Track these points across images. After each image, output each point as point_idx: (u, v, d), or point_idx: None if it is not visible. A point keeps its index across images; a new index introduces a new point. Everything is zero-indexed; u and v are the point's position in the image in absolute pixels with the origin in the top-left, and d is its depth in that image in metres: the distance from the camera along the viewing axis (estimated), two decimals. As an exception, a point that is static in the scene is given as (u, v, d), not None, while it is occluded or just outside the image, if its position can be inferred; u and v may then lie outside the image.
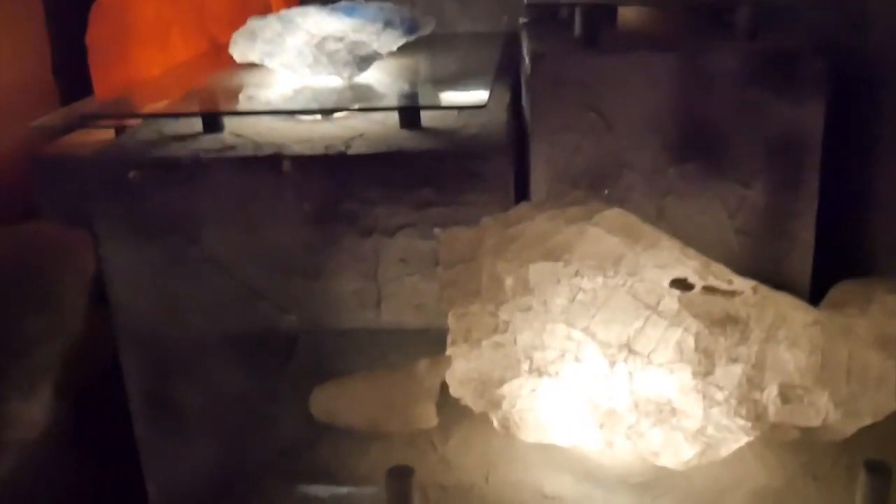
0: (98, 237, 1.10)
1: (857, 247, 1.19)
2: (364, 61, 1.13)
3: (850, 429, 0.73)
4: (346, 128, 1.12)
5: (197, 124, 1.13)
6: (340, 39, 1.13)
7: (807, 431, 0.74)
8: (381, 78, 1.19)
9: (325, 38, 1.12)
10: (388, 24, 1.17)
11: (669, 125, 1.10)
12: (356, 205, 1.06)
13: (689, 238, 1.18)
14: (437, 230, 1.06)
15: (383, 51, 1.16)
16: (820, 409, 0.72)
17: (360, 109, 1.07)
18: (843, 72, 1.12)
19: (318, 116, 1.13)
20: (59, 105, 1.61)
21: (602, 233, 0.86)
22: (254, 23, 1.17)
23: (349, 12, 1.19)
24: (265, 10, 1.63)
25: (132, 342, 1.14)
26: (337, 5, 1.21)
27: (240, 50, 1.17)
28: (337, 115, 1.14)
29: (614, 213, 0.89)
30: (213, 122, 1.12)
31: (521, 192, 1.15)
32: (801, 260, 1.16)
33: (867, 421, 0.73)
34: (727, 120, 1.09)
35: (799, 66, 1.06)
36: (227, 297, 1.10)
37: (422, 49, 1.31)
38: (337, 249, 1.08)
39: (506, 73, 1.31)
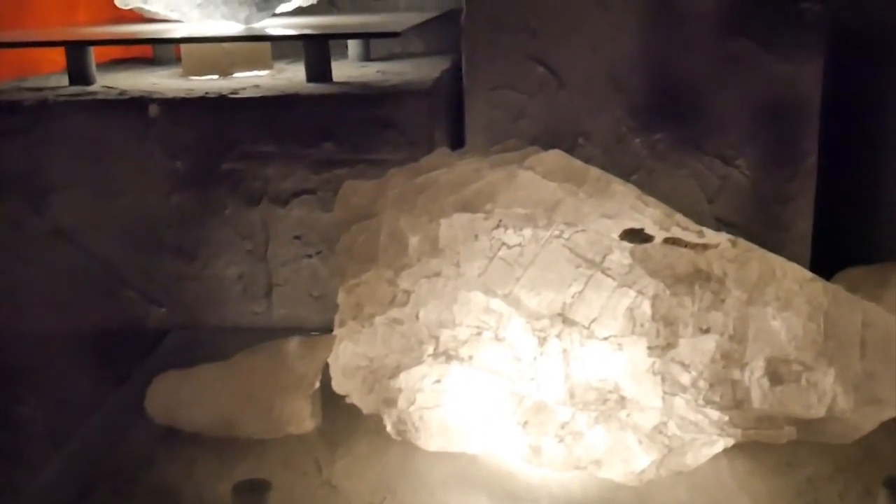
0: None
1: (863, 240, 0.98)
2: (266, 1, 0.93)
3: (868, 423, 0.51)
4: (239, 82, 0.92)
5: (63, 79, 0.94)
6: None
7: (807, 427, 0.52)
8: (289, 24, 1.00)
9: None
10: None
11: (635, 84, 0.91)
12: (241, 163, 0.85)
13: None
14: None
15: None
16: (824, 393, 0.51)
17: (252, 38, 0.86)
18: (846, 24, 0.93)
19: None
20: None
21: (536, 177, 0.66)
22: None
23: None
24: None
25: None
26: None
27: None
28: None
29: (554, 156, 0.69)
30: (80, 72, 0.92)
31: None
32: (797, 255, 0.94)
33: (891, 412, 0.51)
34: (706, 78, 0.91)
35: (793, 8, 0.87)
36: (79, 281, 0.88)
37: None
38: (217, 221, 0.87)
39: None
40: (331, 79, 0.92)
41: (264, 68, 1.01)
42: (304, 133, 0.85)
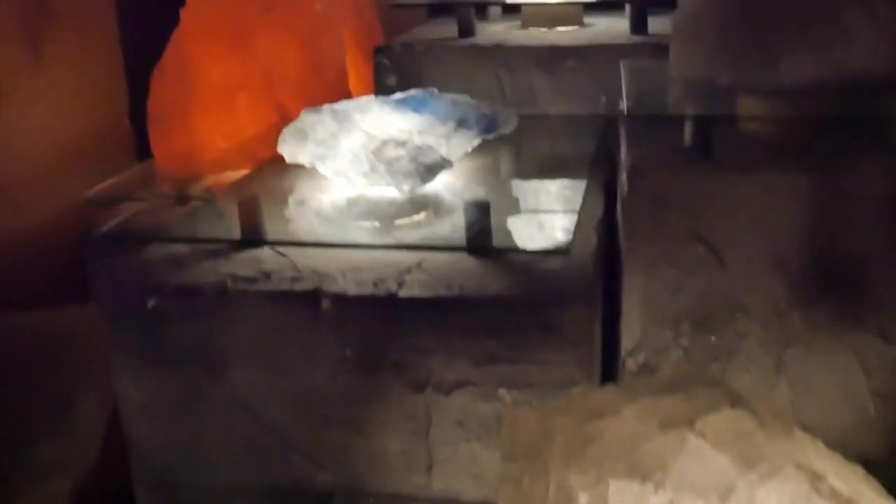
0: (112, 365, 0.96)
1: None
2: (429, 171, 0.97)
3: None
4: (406, 236, 0.98)
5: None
6: (403, 144, 0.97)
7: None
8: (447, 188, 1.03)
9: (384, 143, 0.97)
10: (461, 123, 1.01)
11: (796, 261, 0.91)
12: (407, 354, 0.90)
13: (815, 399, 0.98)
14: (502, 392, 0.88)
15: (453, 157, 0.99)
16: None
17: (415, 248, 0.90)
18: None
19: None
20: (133, 151, 1.57)
21: (707, 447, 0.68)
22: (306, 118, 1.03)
23: (418, 107, 1.03)
24: (339, 76, 1.49)
25: (146, 483, 1.01)
26: (406, 97, 1.05)
27: (289, 149, 1.02)
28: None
29: (725, 418, 0.70)
30: (252, 240, 0.98)
31: (609, 335, 0.97)
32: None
33: None
34: (871, 257, 0.89)
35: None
36: (254, 444, 0.95)
37: (502, 143, 1.14)
38: (382, 402, 0.92)
39: (599, 172, 1.14)
40: (490, 251, 0.95)
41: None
42: (468, 331, 0.89)
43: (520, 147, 1.19)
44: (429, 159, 0.99)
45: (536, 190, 1.12)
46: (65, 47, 1.45)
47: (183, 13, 1.50)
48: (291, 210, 1.09)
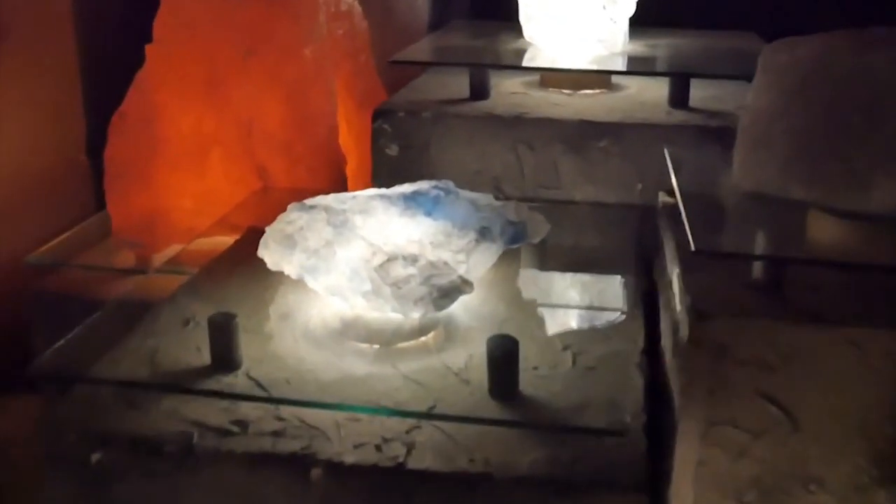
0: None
1: None
2: (444, 297, 0.80)
3: None
4: (414, 371, 0.80)
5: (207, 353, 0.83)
6: (413, 260, 0.80)
7: None
8: (462, 312, 0.86)
9: (391, 258, 0.80)
10: (483, 233, 0.84)
11: (883, 429, 0.77)
12: (413, 538, 0.72)
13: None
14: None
15: (473, 276, 0.82)
16: None
17: (425, 416, 0.73)
18: None
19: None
20: (92, 192, 1.43)
21: None
22: (294, 218, 0.85)
23: (431, 209, 0.85)
24: (329, 133, 1.31)
25: None
26: (416, 193, 0.88)
27: (272, 257, 0.84)
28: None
29: None
30: (226, 363, 0.81)
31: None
32: None
33: None
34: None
35: None
36: None
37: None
38: None
39: (638, 286, 0.98)
40: (515, 391, 0.79)
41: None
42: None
43: (543, 245, 1.01)
44: (444, 281, 0.82)
45: (566, 311, 0.95)
46: (13, 71, 1.26)
47: (149, 50, 1.31)
48: (273, 324, 0.91)
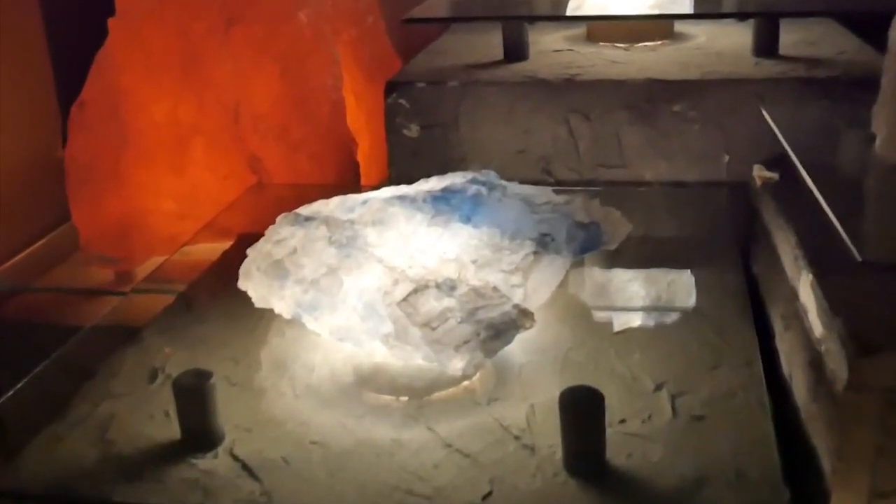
0: None
1: None
2: (496, 337, 0.57)
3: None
4: (459, 435, 0.57)
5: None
6: (451, 289, 0.56)
7: None
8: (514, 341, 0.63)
9: (418, 289, 0.56)
10: (544, 243, 0.60)
11: None
12: None
13: None
14: None
15: (534, 303, 0.59)
16: None
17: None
18: None
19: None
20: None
21: None
22: (284, 232, 0.62)
23: (471, 212, 0.62)
24: (334, 111, 1.08)
25: None
26: (449, 192, 0.64)
27: (256, 289, 0.62)
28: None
29: None
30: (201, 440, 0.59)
31: None
32: None
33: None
34: None
35: None
36: None
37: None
38: None
39: (741, 292, 0.76)
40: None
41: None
42: None
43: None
44: (496, 314, 0.59)
45: (651, 331, 0.72)
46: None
47: (112, 25, 1.08)
48: (267, 374, 0.68)
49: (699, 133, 0.91)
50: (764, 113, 0.86)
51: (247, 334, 0.74)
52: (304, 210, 0.69)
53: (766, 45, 0.97)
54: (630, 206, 0.90)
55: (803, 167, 0.76)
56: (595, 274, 0.80)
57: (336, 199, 0.70)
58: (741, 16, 1.01)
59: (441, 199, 0.66)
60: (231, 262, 0.82)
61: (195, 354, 0.73)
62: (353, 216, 0.65)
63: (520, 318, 0.61)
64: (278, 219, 0.68)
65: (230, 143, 1.10)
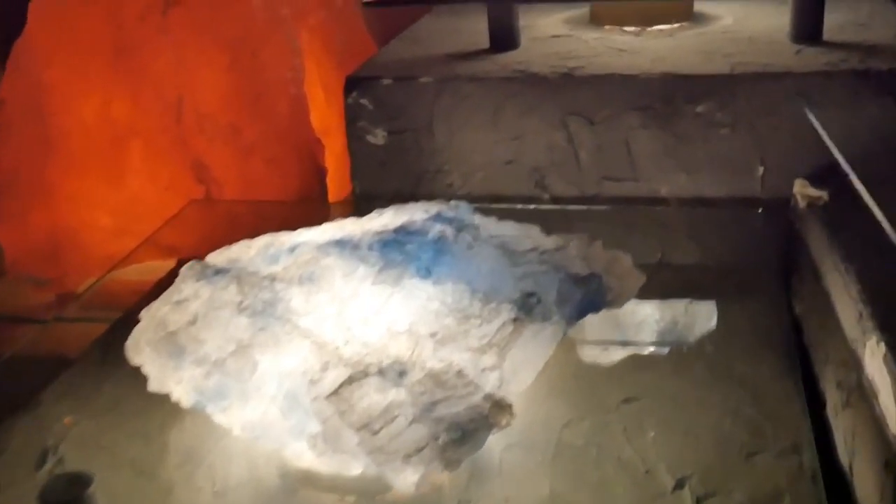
0: None
1: None
2: (460, 444, 0.41)
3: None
4: None
5: None
6: (399, 377, 0.41)
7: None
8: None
9: (355, 378, 0.41)
10: (530, 306, 0.44)
11: None
12: None
13: None
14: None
15: (514, 390, 0.43)
16: None
17: None
18: None
19: None
20: None
21: None
22: (186, 289, 0.47)
23: (433, 260, 0.47)
24: (296, 108, 0.91)
25: None
26: (404, 235, 0.48)
27: (150, 367, 0.45)
28: None
29: None
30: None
31: None
32: None
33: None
34: None
35: None
36: None
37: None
38: None
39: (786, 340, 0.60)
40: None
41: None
42: None
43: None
44: (461, 410, 0.43)
45: (666, 400, 0.56)
46: None
47: (32, 10, 0.92)
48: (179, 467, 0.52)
49: (728, 139, 0.74)
50: (809, 114, 0.70)
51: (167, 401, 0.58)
52: (218, 257, 0.52)
53: (808, 29, 0.80)
54: (643, 229, 0.74)
55: (860, 182, 0.60)
56: (597, 321, 0.64)
57: (261, 241, 0.54)
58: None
59: (392, 245, 0.50)
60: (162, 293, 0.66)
61: (99, 427, 0.58)
62: (275, 269, 0.49)
63: (493, 414, 0.45)
64: (182, 270, 0.52)
65: (172, 146, 0.94)
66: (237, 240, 0.60)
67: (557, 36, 0.89)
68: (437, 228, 0.51)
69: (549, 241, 0.53)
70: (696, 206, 0.76)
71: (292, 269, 0.49)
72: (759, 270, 0.71)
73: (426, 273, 0.49)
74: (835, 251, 0.61)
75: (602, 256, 0.54)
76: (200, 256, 0.59)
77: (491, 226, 0.54)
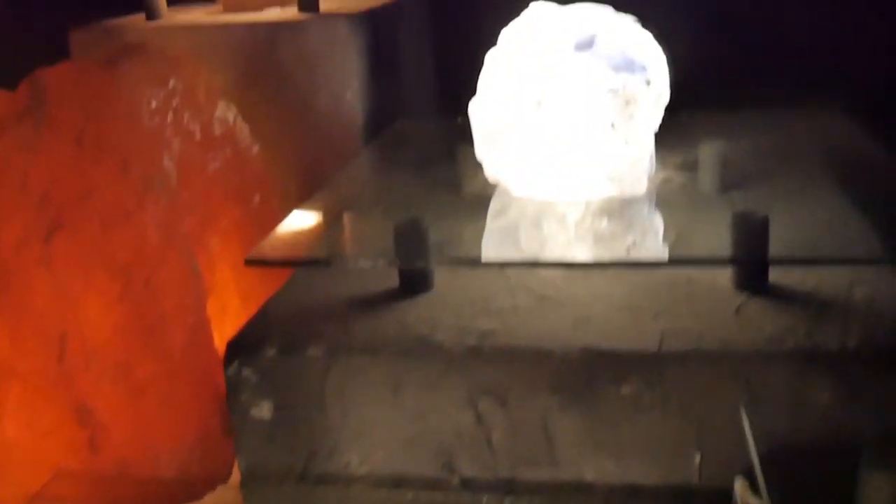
0: None
1: None
2: None
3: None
4: None
5: None
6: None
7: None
8: None
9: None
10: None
11: None
12: None
13: None
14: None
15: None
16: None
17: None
18: None
19: None
20: None
21: None
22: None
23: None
24: (195, 336, 0.82)
25: None
26: None
27: None
28: None
29: None
30: None
31: None
32: None
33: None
34: None
35: None
36: None
37: None
38: None
39: None
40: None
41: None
42: None
43: None
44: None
45: None
46: None
47: None
48: None
49: (659, 423, 0.65)
50: (742, 413, 0.61)
51: None
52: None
53: (751, 279, 0.71)
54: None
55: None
56: None
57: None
58: (732, 263, 0.72)
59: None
60: None
61: None
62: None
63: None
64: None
65: (53, 387, 0.83)
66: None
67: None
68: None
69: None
70: (626, 496, 0.66)
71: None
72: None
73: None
74: None
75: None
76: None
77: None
